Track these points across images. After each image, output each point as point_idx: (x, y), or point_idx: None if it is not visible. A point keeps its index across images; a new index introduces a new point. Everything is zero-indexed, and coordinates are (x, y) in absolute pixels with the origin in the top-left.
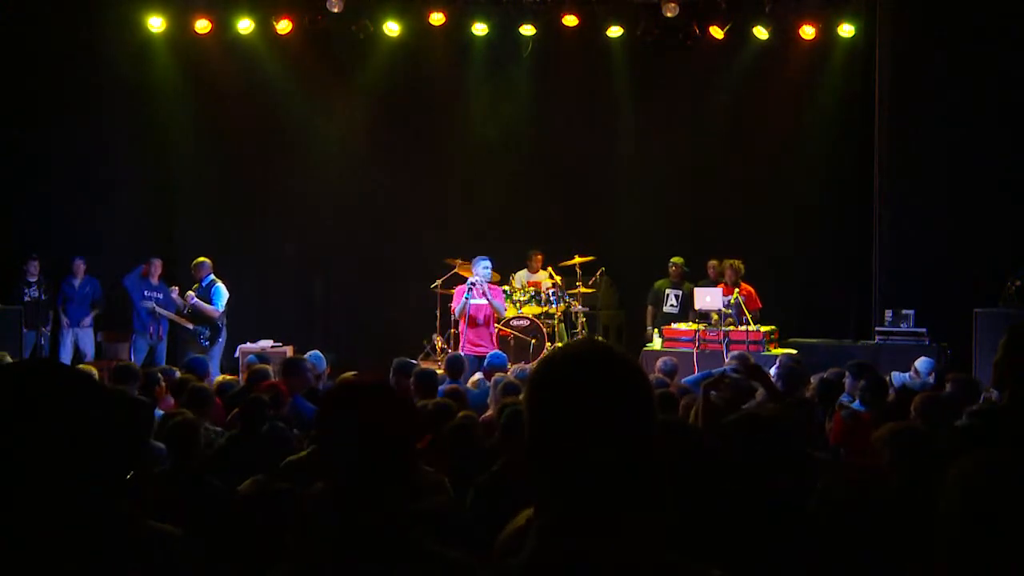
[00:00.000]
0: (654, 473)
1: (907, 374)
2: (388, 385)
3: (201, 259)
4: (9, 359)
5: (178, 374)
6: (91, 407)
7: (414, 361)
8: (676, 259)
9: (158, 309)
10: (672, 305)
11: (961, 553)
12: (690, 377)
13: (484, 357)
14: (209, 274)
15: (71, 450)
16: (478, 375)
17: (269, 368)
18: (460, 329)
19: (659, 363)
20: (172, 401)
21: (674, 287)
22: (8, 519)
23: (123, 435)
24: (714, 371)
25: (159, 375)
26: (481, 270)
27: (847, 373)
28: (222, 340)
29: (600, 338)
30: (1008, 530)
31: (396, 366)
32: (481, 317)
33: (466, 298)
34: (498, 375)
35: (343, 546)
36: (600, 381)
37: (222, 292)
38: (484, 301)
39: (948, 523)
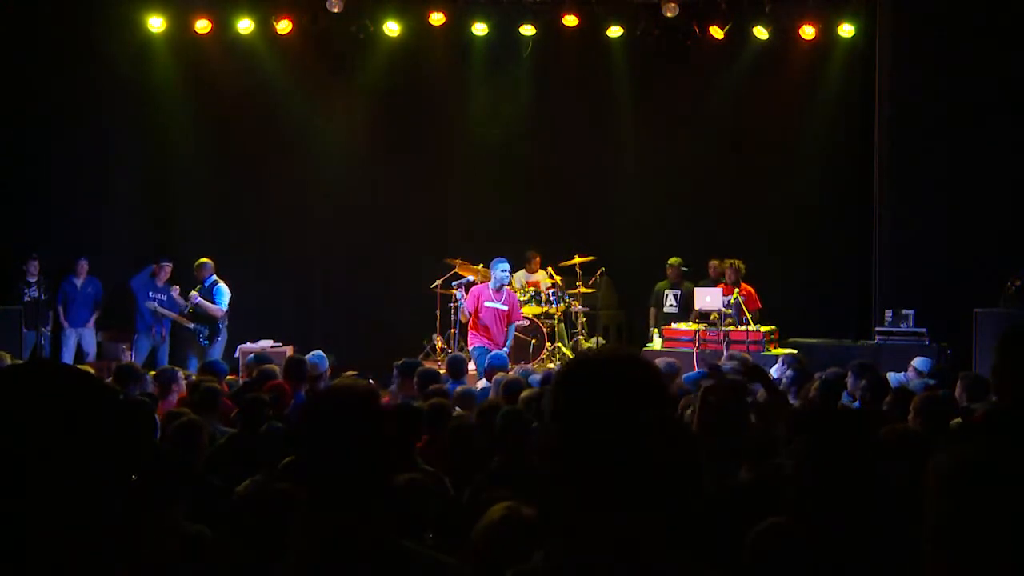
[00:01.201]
0: (664, 476)
1: (902, 375)
2: (371, 390)
3: (204, 260)
4: (9, 359)
5: (180, 374)
6: (95, 407)
7: (417, 361)
8: (673, 260)
9: (160, 309)
10: (671, 305)
11: (943, 549)
12: (690, 374)
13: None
14: (211, 275)
15: (75, 451)
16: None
17: (276, 368)
18: (473, 330)
19: (659, 364)
20: (174, 400)
21: (673, 287)
22: (13, 521)
23: (127, 435)
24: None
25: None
26: (499, 273)
27: (850, 373)
28: (221, 339)
29: (600, 339)
30: (987, 524)
31: (401, 367)
32: (491, 319)
33: (460, 303)
34: (499, 375)
35: (323, 548)
36: (627, 384)
37: (224, 292)
38: (501, 306)
39: (930, 518)
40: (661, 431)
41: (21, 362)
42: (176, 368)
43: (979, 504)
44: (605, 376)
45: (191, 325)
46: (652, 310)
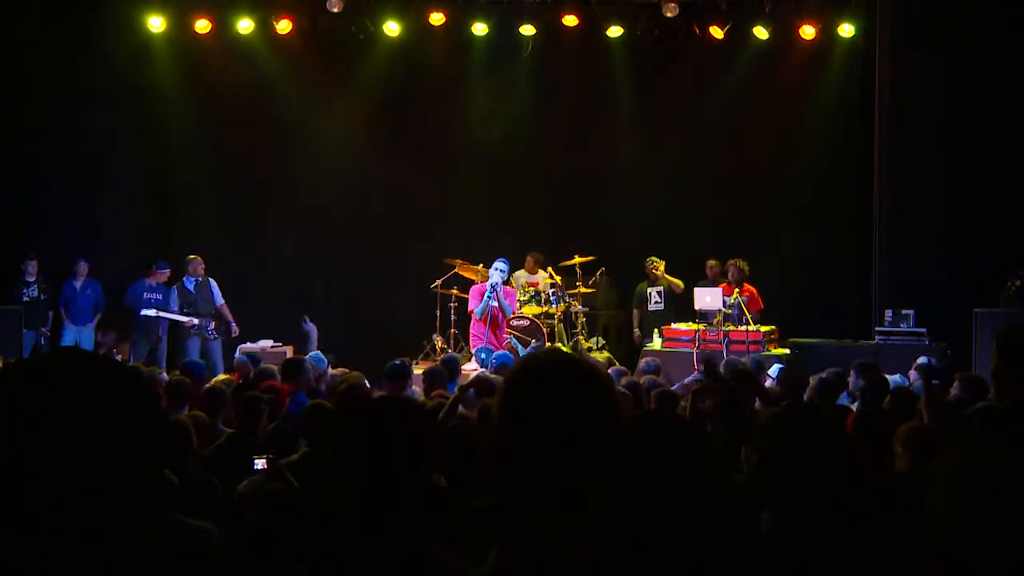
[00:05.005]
0: (611, 479)
1: (899, 376)
2: (405, 397)
3: (195, 256)
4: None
5: (166, 376)
6: (130, 399)
7: (399, 362)
8: (650, 259)
9: (160, 314)
10: (656, 302)
11: (947, 550)
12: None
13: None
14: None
15: (109, 444)
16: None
17: (274, 368)
18: (478, 331)
19: (641, 364)
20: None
21: (653, 285)
22: (42, 516)
23: (157, 429)
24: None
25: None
26: (491, 271)
27: (852, 373)
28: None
29: (600, 339)
30: (992, 527)
31: (389, 372)
32: (492, 319)
33: (488, 297)
34: (478, 376)
35: (347, 546)
36: (565, 392)
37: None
38: (503, 303)
39: (935, 521)
40: (602, 437)
41: (53, 352)
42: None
43: (983, 505)
44: (546, 381)
45: (196, 321)
46: (635, 311)
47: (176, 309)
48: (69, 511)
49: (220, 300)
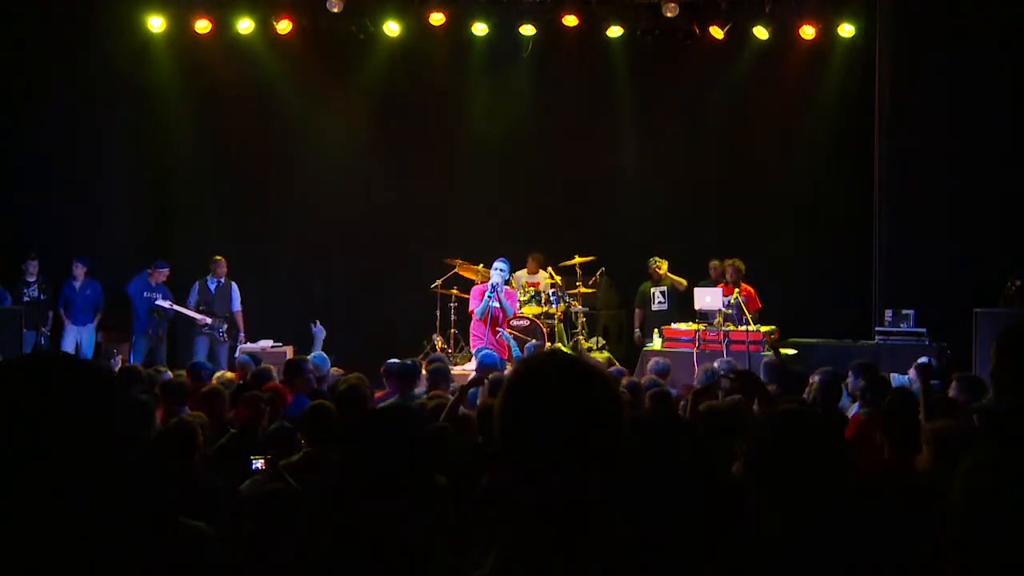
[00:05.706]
0: (614, 479)
1: (905, 376)
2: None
3: (220, 257)
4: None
5: (169, 375)
6: (101, 399)
7: (410, 362)
8: (652, 259)
9: (175, 307)
10: (660, 303)
11: (966, 549)
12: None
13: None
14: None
15: (80, 441)
16: None
17: (271, 368)
18: (478, 331)
19: (650, 364)
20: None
21: (656, 284)
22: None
23: (129, 429)
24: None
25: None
26: (492, 271)
27: (851, 373)
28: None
29: (600, 339)
30: (1010, 527)
31: (392, 370)
32: (501, 318)
33: (488, 298)
34: (492, 375)
35: (347, 546)
36: (565, 392)
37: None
38: (505, 304)
39: (954, 519)
40: (606, 437)
41: (32, 353)
42: (165, 370)
43: (990, 504)
44: (547, 381)
45: (209, 320)
46: (637, 311)
47: (192, 305)
48: (65, 511)
49: (238, 306)
